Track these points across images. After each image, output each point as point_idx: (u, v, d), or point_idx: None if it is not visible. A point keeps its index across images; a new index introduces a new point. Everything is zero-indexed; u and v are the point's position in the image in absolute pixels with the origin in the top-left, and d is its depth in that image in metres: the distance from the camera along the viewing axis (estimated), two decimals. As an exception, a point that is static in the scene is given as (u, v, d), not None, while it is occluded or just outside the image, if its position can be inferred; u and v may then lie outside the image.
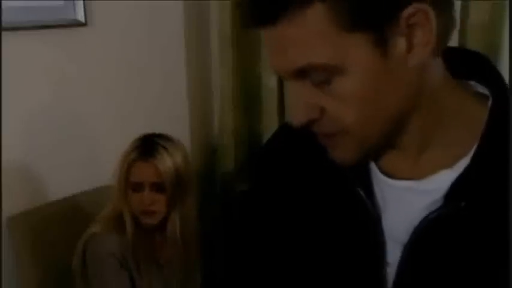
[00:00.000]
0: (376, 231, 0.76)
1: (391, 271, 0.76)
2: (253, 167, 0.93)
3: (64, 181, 1.90)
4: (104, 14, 1.94)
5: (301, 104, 0.69)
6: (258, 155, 0.92)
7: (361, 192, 0.76)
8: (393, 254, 0.76)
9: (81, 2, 1.86)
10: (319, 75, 0.67)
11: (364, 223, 0.77)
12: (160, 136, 1.66)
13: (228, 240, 0.95)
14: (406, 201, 0.75)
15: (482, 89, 0.76)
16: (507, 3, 1.60)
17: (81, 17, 1.87)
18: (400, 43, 0.66)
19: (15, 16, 1.70)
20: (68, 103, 1.91)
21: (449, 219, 0.71)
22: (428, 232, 0.72)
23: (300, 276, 0.82)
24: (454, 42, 0.76)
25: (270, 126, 2.14)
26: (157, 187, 1.62)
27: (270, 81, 2.12)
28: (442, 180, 0.72)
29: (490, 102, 0.74)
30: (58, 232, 1.79)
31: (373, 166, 0.78)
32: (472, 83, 0.77)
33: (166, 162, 1.61)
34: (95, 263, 1.62)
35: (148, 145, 1.63)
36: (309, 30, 0.65)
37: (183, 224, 1.65)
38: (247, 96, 2.21)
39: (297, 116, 0.70)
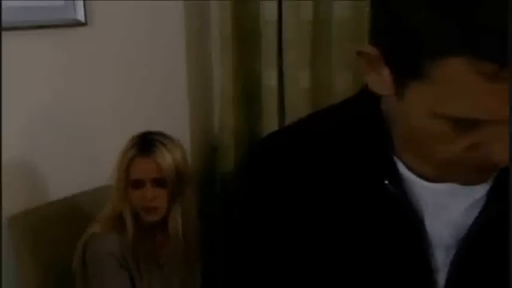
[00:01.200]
0: (419, 235, 0.75)
1: (439, 276, 0.75)
2: (250, 164, 0.88)
3: (64, 181, 1.89)
4: (104, 14, 1.94)
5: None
6: (256, 152, 0.88)
7: (400, 198, 0.74)
8: (439, 259, 0.75)
9: (81, 1, 1.86)
10: None
11: (405, 229, 0.75)
12: (157, 133, 1.67)
13: (228, 240, 0.94)
14: (446, 204, 0.74)
15: None
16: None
17: (81, 16, 1.87)
18: None
19: (15, 16, 1.70)
20: (68, 103, 1.91)
21: (498, 219, 0.71)
22: (480, 235, 0.72)
23: (319, 281, 0.79)
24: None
25: (270, 126, 2.14)
26: (158, 182, 1.62)
27: (270, 81, 2.12)
28: None
29: None
30: (58, 232, 1.78)
31: (405, 171, 0.75)
32: None
33: (166, 157, 1.61)
34: (94, 263, 1.62)
35: (147, 142, 1.63)
36: None
37: (184, 220, 1.65)
38: (248, 96, 2.21)
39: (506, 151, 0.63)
